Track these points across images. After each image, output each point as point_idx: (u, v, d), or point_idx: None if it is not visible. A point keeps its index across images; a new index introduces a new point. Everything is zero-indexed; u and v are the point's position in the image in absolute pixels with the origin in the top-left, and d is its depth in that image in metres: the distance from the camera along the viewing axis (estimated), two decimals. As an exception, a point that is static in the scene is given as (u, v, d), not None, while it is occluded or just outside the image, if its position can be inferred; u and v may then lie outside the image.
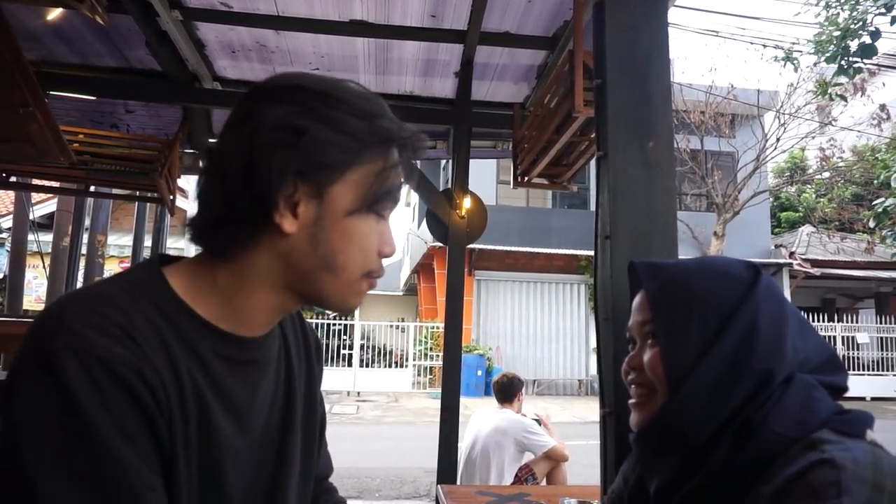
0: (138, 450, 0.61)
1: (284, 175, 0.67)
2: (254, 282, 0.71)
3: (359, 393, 13.28)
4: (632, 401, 0.87)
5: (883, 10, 7.11)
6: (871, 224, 9.24)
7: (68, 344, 0.59)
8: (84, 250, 5.34)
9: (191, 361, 0.68)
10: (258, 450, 0.76)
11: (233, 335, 0.72)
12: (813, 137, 14.82)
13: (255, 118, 0.68)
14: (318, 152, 0.68)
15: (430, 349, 14.01)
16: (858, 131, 14.29)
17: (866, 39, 7.33)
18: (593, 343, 12.66)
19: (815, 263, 14.66)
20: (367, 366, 14.36)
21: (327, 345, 13.74)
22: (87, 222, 5.43)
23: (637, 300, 0.89)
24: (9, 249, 5.68)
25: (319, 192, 0.69)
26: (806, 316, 0.84)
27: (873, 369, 14.60)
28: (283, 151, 0.67)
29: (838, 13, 7.71)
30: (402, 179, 0.75)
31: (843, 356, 13.73)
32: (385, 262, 0.76)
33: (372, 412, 11.16)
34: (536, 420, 3.83)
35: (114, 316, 0.63)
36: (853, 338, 14.63)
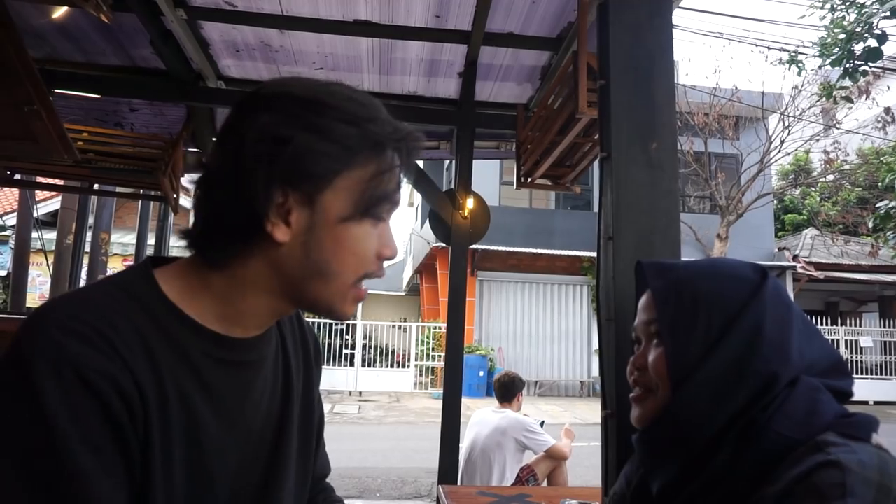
0: (103, 462, 0.60)
1: (271, 186, 0.66)
2: (248, 288, 0.71)
3: (360, 393, 13.28)
4: (632, 395, 0.87)
5: (888, 14, 7.09)
6: (871, 224, 9.20)
7: (43, 348, 0.59)
8: (88, 248, 5.36)
9: (178, 364, 0.67)
10: (251, 450, 0.75)
11: (225, 336, 0.72)
12: (817, 140, 14.78)
13: (240, 129, 0.68)
14: (305, 161, 0.67)
15: (432, 349, 14.01)
16: (863, 134, 14.25)
17: (872, 43, 7.30)
18: (595, 344, 12.61)
19: (818, 266, 14.61)
20: (368, 366, 14.36)
21: (329, 345, 13.75)
22: (91, 220, 5.44)
23: (643, 300, 0.89)
24: (13, 247, 5.70)
25: (310, 200, 0.68)
26: (809, 319, 0.83)
27: (877, 373, 14.55)
28: (268, 162, 0.66)
29: (843, 16, 7.69)
30: (399, 181, 0.73)
31: (847, 360, 13.66)
32: (388, 262, 0.75)
33: (373, 412, 11.17)
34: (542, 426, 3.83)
35: (95, 322, 0.62)
36: (857, 341, 14.57)
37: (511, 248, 13.83)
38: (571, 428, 4.00)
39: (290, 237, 0.68)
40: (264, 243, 0.68)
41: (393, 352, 14.96)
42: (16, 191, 7.78)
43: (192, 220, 0.73)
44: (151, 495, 0.64)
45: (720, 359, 0.76)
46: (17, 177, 3.94)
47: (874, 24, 7.27)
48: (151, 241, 5.91)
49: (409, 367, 14.27)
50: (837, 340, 14.26)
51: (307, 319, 0.93)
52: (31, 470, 0.57)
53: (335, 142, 0.68)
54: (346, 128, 0.68)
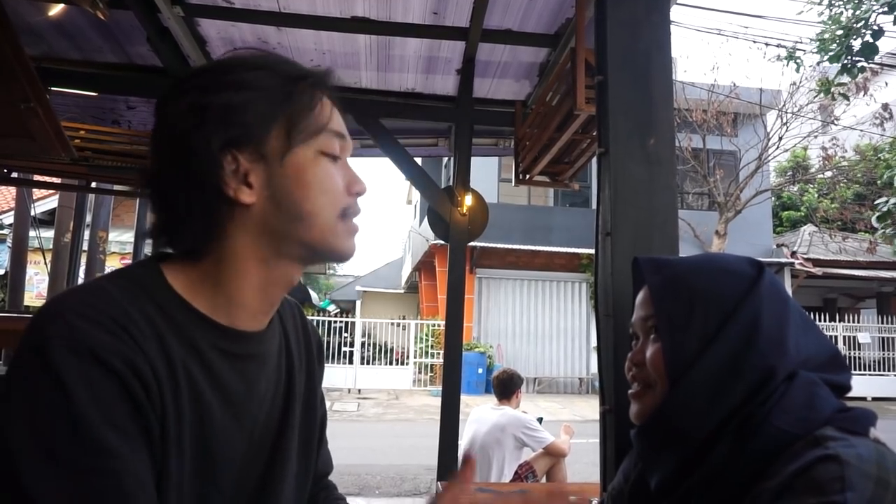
0: (127, 441, 0.60)
1: (215, 153, 0.68)
2: (239, 264, 0.72)
3: (359, 390, 13.29)
4: (631, 391, 0.87)
5: (886, 9, 7.08)
6: (875, 223, 9.20)
7: (60, 333, 0.60)
8: (85, 247, 5.34)
9: (188, 356, 0.68)
10: (254, 445, 0.75)
11: (231, 329, 0.73)
12: (815, 137, 14.79)
13: (166, 121, 0.71)
14: (234, 116, 0.69)
15: (431, 347, 14.02)
16: (861, 130, 14.26)
17: (869, 38, 7.30)
18: (594, 341, 12.64)
19: (816, 263, 14.63)
20: (367, 363, 14.36)
21: (328, 342, 13.76)
22: (89, 219, 5.43)
23: (640, 296, 0.89)
24: (10, 246, 5.68)
25: (259, 153, 0.70)
26: (806, 314, 0.83)
27: (875, 369, 14.58)
28: (203, 133, 0.68)
29: (841, 12, 7.68)
30: (331, 110, 0.75)
31: (845, 356, 13.61)
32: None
33: (372, 410, 11.17)
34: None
35: (108, 309, 0.63)
36: (855, 338, 14.61)
37: (510, 246, 13.83)
38: (570, 425, 4.01)
39: (255, 196, 0.70)
40: (235, 214, 0.70)
41: (392, 349, 14.97)
42: (13, 189, 7.76)
43: (153, 230, 0.74)
44: (164, 485, 0.64)
45: (717, 354, 0.76)
46: (14, 175, 3.92)
47: (871, 20, 7.26)
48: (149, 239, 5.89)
49: (407, 364, 14.28)
50: (836, 337, 14.28)
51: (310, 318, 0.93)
52: (58, 451, 0.57)
53: (253, 89, 0.71)
54: (258, 73, 0.72)
